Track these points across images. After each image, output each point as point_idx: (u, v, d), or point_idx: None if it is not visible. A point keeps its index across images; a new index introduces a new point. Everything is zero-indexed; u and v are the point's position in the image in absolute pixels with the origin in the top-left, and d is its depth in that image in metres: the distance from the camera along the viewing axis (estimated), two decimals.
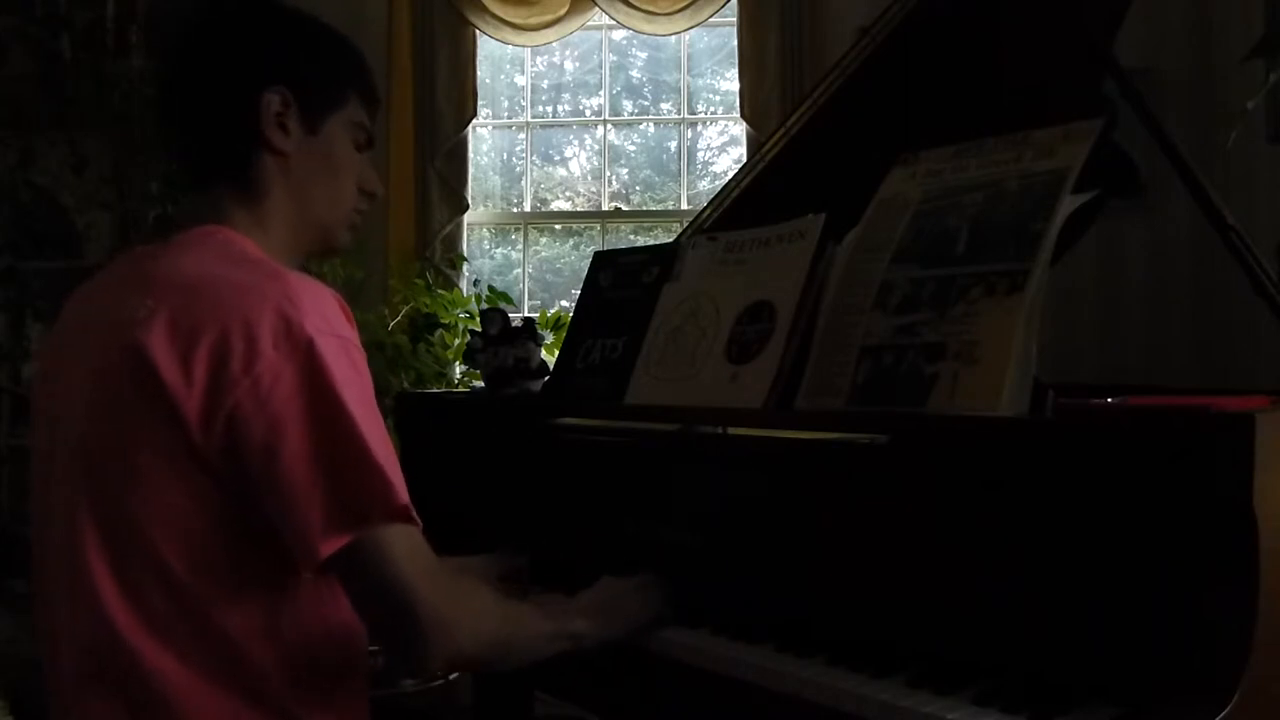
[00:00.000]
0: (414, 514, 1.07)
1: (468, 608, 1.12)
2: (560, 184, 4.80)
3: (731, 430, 1.55)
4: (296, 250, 1.24)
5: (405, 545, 1.06)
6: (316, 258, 1.16)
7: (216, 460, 1.04)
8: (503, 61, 4.71)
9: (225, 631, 1.06)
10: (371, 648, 1.19)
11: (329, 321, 1.07)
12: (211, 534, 1.06)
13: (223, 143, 1.19)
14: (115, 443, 1.07)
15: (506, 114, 4.72)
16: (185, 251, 1.14)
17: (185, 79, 1.21)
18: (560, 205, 4.77)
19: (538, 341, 1.93)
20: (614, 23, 4.33)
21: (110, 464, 1.07)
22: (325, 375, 1.03)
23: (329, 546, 1.03)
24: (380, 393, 1.23)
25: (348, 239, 1.29)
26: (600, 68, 4.62)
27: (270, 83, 1.17)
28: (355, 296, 3.65)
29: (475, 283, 4.30)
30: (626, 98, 4.72)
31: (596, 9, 4.26)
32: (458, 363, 3.98)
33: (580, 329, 1.78)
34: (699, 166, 4.62)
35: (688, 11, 4.20)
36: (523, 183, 4.66)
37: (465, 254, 4.38)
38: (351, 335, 1.09)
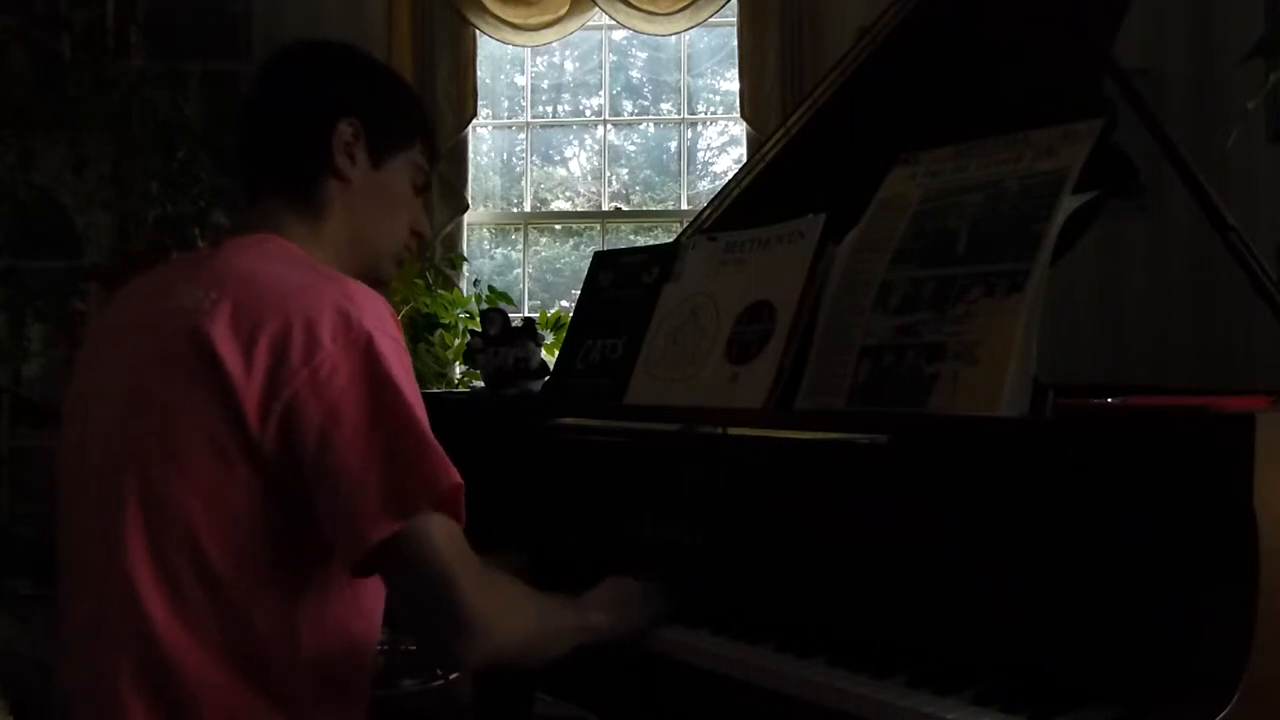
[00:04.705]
0: (462, 504, 1.09)
1: (506, 604, 1.13)
2: (560, 184, 4.80)
3: (731, 430, 1.55)
4: (343, 272, 1.27)
5: (447, 534, 1.07)
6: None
7: (270, 450, 1.06)
8: (503, 61, 4.71)
9: (254, 627, 1.08)
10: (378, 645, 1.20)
11: (384, 322, 1.12)
12: (253, 528, 1.08)
13: (295, 160, 1.27)
14: (166, 429, 1.09)
15: (506, 114, 4.72)
16: (242, 252, 1.19)
17: (272, 99, 1.30)
18: (560, 205, 4.77)
19: (538, 341, 1.93)
20: (614, 23, 4.33)
21: (159, 451, 1.09)
22: (383, 365, 1.08)
23: (379, 533, 1.04)
24: None
25: (393, 272, 1.36)
26: (600, 68, 4.62)
27: (345, 114, 1.27)
28: None
29: (475, 283, 4.30)
30: (626, 98, 4.72)
31: (596, 9, 4.26)
32: (458, 363, 3.99)
33: (580, 329, 1.78)
34: (699, 166, 4.62)
35: (688, 11, 4.20)
36: (523, 183, 4.66)
37: (465, 254, 4.38)
38: (403, 341, 1.14)
